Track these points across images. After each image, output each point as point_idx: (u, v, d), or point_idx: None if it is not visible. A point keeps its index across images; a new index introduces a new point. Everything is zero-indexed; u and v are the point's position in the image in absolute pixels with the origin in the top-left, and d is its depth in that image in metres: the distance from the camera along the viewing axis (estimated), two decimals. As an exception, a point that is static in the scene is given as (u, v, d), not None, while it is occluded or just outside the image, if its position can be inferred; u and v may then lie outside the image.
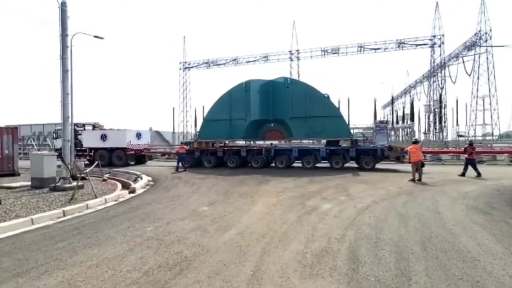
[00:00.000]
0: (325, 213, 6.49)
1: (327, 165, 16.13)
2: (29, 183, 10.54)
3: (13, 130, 14.66)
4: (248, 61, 41.06)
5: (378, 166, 15.73)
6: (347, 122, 16.60)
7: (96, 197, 8.28)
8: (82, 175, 9.56)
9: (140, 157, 20.59)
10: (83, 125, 22.42)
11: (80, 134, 21.29)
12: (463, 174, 12.20)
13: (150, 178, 12.46)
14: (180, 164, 16.05)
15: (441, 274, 3.58)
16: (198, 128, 20.97)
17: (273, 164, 17.13)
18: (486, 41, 32.69)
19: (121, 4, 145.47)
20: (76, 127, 22.29)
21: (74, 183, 9.29)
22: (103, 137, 20.02)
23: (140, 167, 17.54)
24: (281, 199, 8.09)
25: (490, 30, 32.46)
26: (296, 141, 18.44)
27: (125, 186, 11.13)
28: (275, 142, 18.75)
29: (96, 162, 11.50)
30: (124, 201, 8.37)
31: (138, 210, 7.16)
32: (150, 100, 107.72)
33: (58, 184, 9.75)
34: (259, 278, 3.52)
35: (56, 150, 21.77)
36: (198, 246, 4.60)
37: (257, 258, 4.11)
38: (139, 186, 10.49)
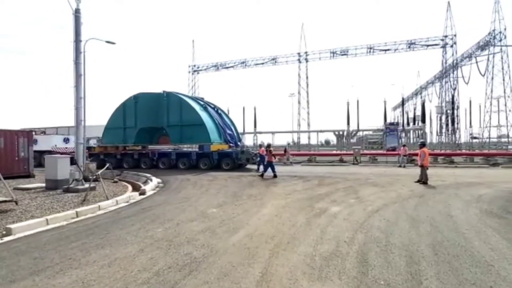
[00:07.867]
0: (334, 216, 6.45)
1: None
2: (44, 184, 10.85)
3: (28, 134, 15.14)
4: (256, 64, 41.24)
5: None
6: (208, 130, 18.13)
7: (107, 199, 8.45)
8: (94, 177, 9.77)
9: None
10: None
11: None
12: (261, 175, 13.48)
13: (160, 180, 12.64)
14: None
15: (453, 278, 3.51)
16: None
17: (178, 165, 18.46)
18: (500, 40, 31.90)
19: (130, 9, 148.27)
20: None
21: (87, 185, 9.51)
22: (35, 142, 23.02)
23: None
24: (289, 202, 8.08)
25: (505, 29, 31.68)
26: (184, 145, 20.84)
27: (136, 187, 11.33)
28: (164, 147, 20.81)
29: (107, 165, 11.73)
30: (135, 203, 8.52)
31: (148, 211, 7.28)
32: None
33: (71, 185, 9.99)
34: (268, 280, 3.53)
35: None
36: (207, 247, 4.64)
37: (265, 260, 4.12)
38: (149, 188, 10.66)
